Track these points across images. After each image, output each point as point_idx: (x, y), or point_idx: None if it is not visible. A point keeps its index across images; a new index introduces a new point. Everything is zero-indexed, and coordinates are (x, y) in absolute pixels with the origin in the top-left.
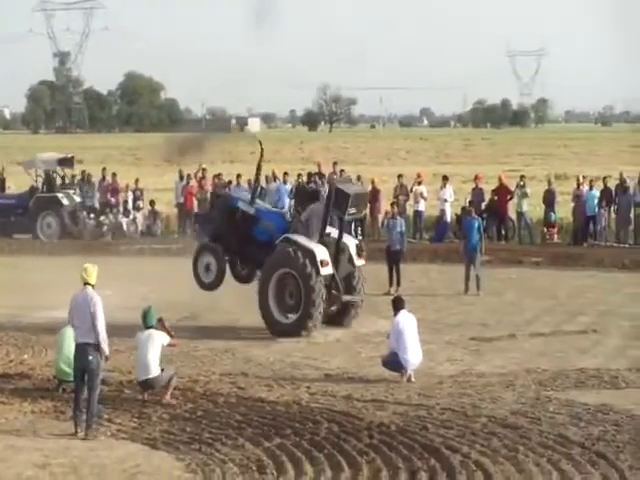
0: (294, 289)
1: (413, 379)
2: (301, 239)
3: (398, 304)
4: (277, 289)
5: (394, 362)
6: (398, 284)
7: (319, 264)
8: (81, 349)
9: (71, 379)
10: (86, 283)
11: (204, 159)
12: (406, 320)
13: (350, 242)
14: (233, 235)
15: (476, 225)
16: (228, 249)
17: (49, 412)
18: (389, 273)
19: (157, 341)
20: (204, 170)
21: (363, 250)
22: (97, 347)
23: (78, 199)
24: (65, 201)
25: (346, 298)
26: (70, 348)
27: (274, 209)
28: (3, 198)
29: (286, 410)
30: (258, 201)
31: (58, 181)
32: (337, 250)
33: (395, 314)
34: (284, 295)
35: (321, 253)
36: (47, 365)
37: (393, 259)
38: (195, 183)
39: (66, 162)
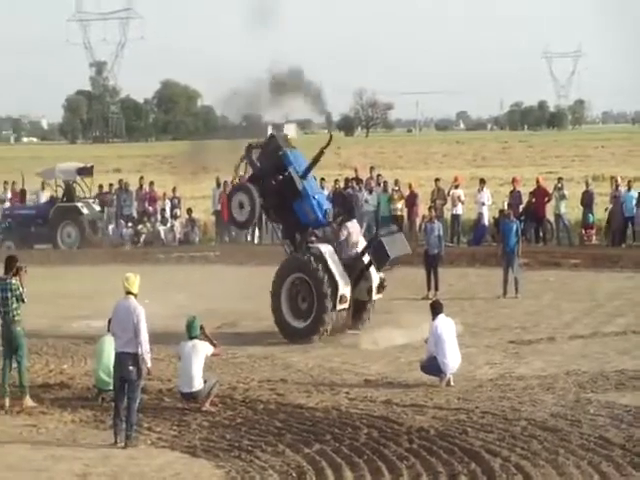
0: (307, 294)
1: (452, 383)
2: (330, 262)
3: (436, 308)
4: (290, 293)
5: (433, 366)
6: (436, 288)
7: (338, 299)
8: (121, 359)
9: (111, 388)
10: (128, 292)
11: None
12: (444, 324)
13: (375, 275)
14: (270, 190)
15: (514, 228)
16: (262, 196)
17: (89, 421)
18: (427, 277)
19: (201, 352)
20: (241, 177)
21: (384, 287)
22: (137, 357)
23: (97, 208)
24: (85, 210)
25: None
26: (110, 357)
27: (322, 201)
28: (23, 209)
29: (325, 416)
30: (312, 183)
31: (78, 191)
32: (360, 275)
33: (433, 318)
34: (297, 299)
35: (343, 287)
36: (86, 374)
37: (431, 263)
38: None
39: (85, 171)
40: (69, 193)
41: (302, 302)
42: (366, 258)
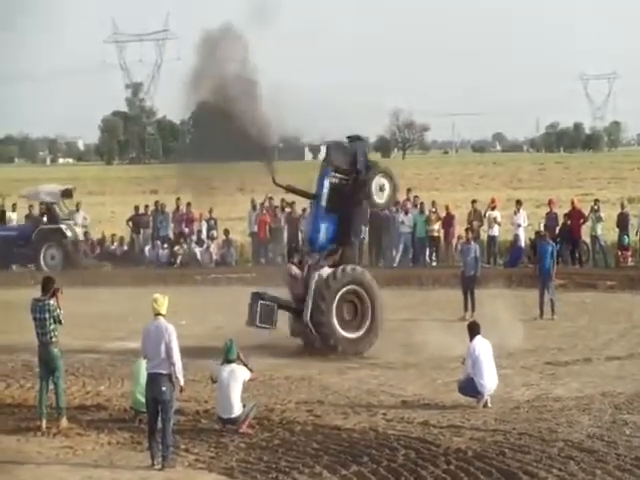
0: (358, 306)
1: (490, 404)
2: None
3: (474, 329)
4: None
5: (470, 387)
6: (473, 309)
7: None
8: (154, 379)
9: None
10: (157, 314)
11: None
12: (481, 345)
13: None
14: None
15: (549, 250)
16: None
17: (126, 443)
18: (464, 298)
19: (239, 378)
20: (270, 199)
21: None
22: (170, 378)
23: (79, 230)
24: (68, 232)
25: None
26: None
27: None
28: (4, 230)
29: (363, 437)
30: None
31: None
32: None
33: (471, 339)
34: (342, 312)
35: None
36: (123, 396)
37: (468, 284)
38: (267, 212)
39: (67, 193)
40: (52, 215)
41: (347, 314)
42: None
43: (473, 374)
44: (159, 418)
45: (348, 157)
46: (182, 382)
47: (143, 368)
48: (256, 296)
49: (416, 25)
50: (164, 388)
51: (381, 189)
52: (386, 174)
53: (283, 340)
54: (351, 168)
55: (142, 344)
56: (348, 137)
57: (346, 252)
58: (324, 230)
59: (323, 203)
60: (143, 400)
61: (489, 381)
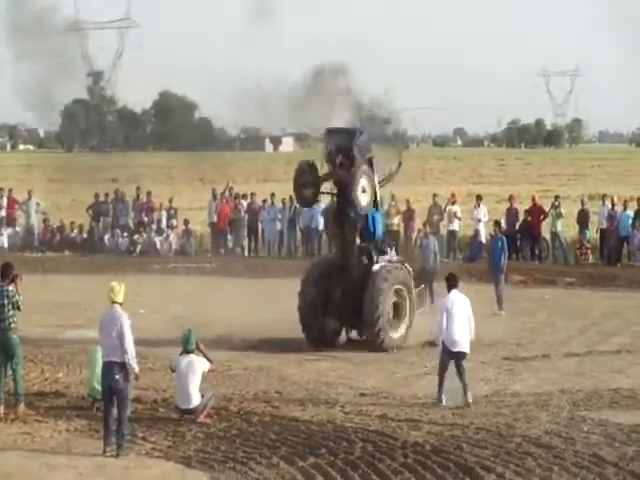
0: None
1: (470, 400)
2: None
3: (452, 281)
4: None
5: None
6: (432, 301)
7: None
8: (107, 368)
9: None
10: (113, 302)
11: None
12: (457, 299)
13: None
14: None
15: (499, 244)
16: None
17: (84, 430)
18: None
19: (198, 369)
20: (231, 189)
21: None
22: (124, 366)
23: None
24: None
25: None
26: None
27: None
28: None
29: (320, 429)
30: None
31: None
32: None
33: (448, 291)
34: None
35: None
36: (81, 383)
37: (427, 278)
38: (227, 202)
39: None
40: None
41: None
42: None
43: (445, 328)
44: (113, 407)
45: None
46: (137, 369)
47: (99, 356)
48: None
49: (381, 20)
50: (117, 377)
51: (363, 190)
52: (367, 175)
53: (240, 331)
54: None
55: (99, 333)
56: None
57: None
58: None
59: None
60: (100, 388)
61: (460, 337)
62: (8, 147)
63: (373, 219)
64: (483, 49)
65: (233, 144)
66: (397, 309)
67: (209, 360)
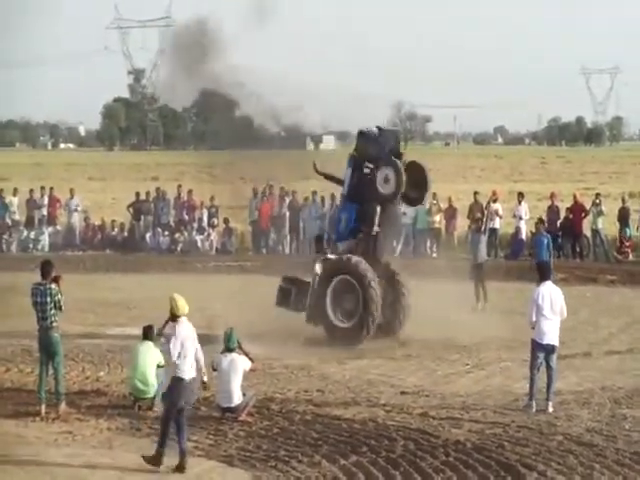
0: (352, 296)
1: (550, 409)
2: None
3: (544, 271)
4: (335, 294)
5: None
6: (486, 300)
7: None
8: (190, 384)
9: (146, 396)
10: (180, 315)
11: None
12: (547, 291)
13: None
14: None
15: (545, 242)
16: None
17: (125, 429)
18: (475, 288)
19: (240, 368)
20: (271, 187)
21: None
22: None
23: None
24: None
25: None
26: (145, 365)
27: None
28: None
29: (362, 428)
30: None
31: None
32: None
33: (539, 282)
34: (342, 301)
35: None
36: (123, 382)
37: (477, 274)
38: (270, 201)
39: None
40: None
41: (347, 304)
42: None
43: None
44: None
45: (375, 147)
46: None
47: (141, 354)
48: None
49: (419, 19)
50: (195, 392)
51: (385, 180)
52: (393, 165)
53: (282, 329)
54: (377, 158)
55: (177, 346)
56: (378, 127)
57: (361, 243)
58: (344, 220)
59: (345, 192)
60: (141, 387)
61: (550, 330)
62: (49, 145)
63: None
64: (524, 47)
65: (273, 142)
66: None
67: (250, 359)
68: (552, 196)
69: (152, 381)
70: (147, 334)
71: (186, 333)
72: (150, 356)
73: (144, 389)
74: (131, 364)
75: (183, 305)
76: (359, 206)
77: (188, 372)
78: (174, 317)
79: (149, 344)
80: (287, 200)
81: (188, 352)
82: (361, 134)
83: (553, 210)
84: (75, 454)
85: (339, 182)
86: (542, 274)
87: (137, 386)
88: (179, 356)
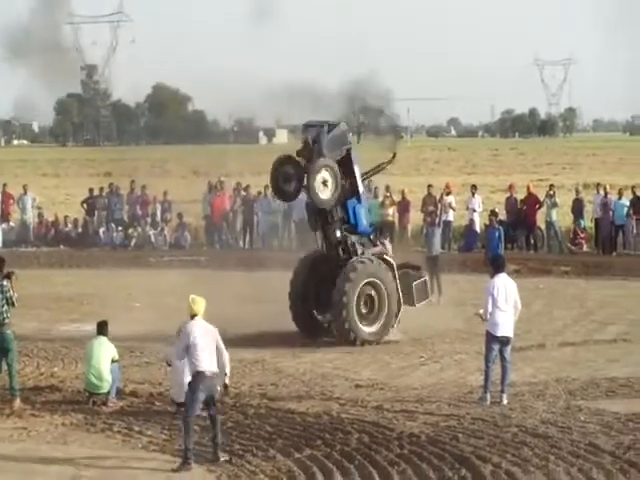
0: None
1: (505, 401)
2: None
3: (498, 264)
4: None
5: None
6: (440, 292)
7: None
8: (208, 378)
9: (101, 391)
10: (196, 314)
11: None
12: (501, 284)
13: None
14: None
15: (496, 234)
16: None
17: (80, 424)
18: (429, 281)
19: None
20: (222, 183)
21: None
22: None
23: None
24: None
25: None
26: (99, 360)
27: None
28: None
29: (316, 421)
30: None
31: None
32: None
33: (493, 275)
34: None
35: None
36: (77, 378)
37: (432, 267)
38: (222, 195)
39: None
40: None
41: (364, 307)
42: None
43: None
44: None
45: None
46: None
47: (95, 349)
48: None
49: (371, 10)
50: (219, 388)
51: (324, 184)
52: (330, 168)
53: (235, 323)
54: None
55: (187, 344)
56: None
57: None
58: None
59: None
60: (96, 382)
61: (505, 322)
62: (2, 142)
63: (354, 211)
64: (476, 39)
65: (227, 136)
66: (372, 303)
67: None
68: (510, 188)
69: (106, 376)
70: (101, 329)
71: (200, 331)
72: (104, 351)
73: (99, 384)
74: (85, 359)
75: (198, 306)
76: None
77: (207, 365)
78: (192, 317)
79: (103, 339)
80: (241, 194)
81: (206, 347)
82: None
83: (511, 202)
84: (30, 449)
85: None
86: (496, 267)
87: (92, 381)
88: (187, 353)
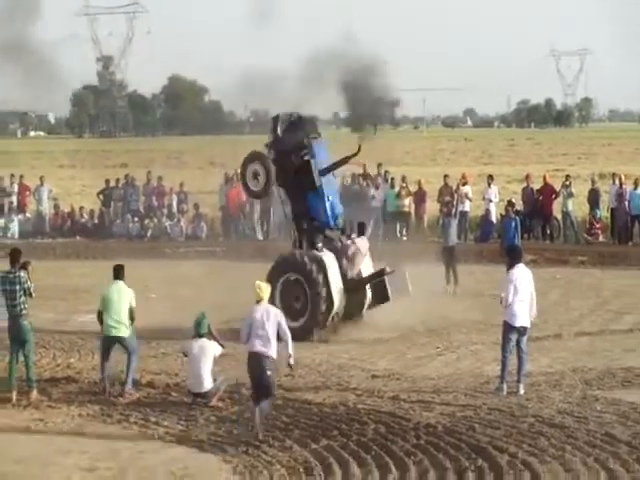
0: (301, 294)
1: (522, 391)
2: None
3: (516, 255)
4: (284, 293)
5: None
6: (456, 282)
7: (331, 317)
8: (258, 359)
9: (120, 334)
10: (260, 299)
11: None
12: (521, 274)
13: (369, 292)
14: (288, 167)
15: (513, 224)
16: (280, 169)
17: (96, 415)
18: (446, 271)
19: (210, 353)
20: (238, 174)
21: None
22: (273, 360)
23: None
24: None
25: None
26: (119, 303)
27: (335, 204)
28: None
29: (333, 412)
30: (331, 182)
31: None
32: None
33: (511, 266)
34: (291, 299)
35: (337, 306)
36: (94, 369)
37: (448, 258)
38: (237, 186)
39: None
40: None
41: (296, 302)
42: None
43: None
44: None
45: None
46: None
47: (114, 296)
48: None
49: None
50: (269, 372)
51: (255, 176)
52: (261, 161)
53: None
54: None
55: (248, 325)
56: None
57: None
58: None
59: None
60: (115, 325)
61: (522, 312)
62: (19, 133)
63: (311, 203)
64: (492, 29)
65: (242, 127)
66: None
67: (221, 344)
68: (527, 178)
69: (125, 321)
70: (118, 274)
71: (263, 315)
72: (124, 294)
73: (118, 327)
74: (104, 305)
75: (263, 291)
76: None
77: (259, 347)
78: (258, 301)
79: (121, 284)
80: None
81: (266, 330)
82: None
83: (528, 192)
84: (46, 441)
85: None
86: (514, 257)
87: (110, 325)
88: (249, 336)
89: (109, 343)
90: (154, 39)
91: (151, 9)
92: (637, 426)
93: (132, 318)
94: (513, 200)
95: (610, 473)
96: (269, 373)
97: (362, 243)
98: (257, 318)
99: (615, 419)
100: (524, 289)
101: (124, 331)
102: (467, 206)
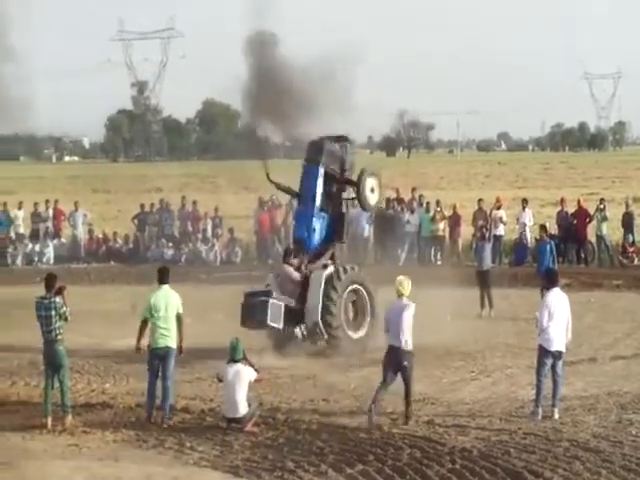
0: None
1: (556, 415)
2: None
3: (552, 279)
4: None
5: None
6: (491, 306)
7: None
8: (395, 352)
9: (169, 345)
10: (401, 294)
11: None
12: (557, 298)
13: None
14: None
15: (547, 248)
16: None
17: (131, 441)
18: (480, 295)
19: (245, 378)
20: (272, 199)
21: None
22: (408, 352)
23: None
24: None
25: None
26: (167, 309)
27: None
28: None
29: (368, 436)
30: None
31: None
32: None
33: (547, 289)
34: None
35: None
36: (128, 393)
37: (482, 282)
38: (270, 211)
39: None
40: None
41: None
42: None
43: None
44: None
45: (337, 156)
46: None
47: (161, 299)
48: (260, 294)
49: (420, 26)
50: (406, 363)
51: (372, 190)
52: (375, 175)
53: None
54: (339, 168)
55: (387, 321)
56: (332, 137)
57: (335, 252)
58: (318, 230)
59: (317, 203)
60: (165, 333)
61: (558, 336)
62: (54, 159)
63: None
64: (526, 53)
65: (277, 151)
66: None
67: (256, 369)
68: (562, 202)
69: (174, 330)
70: (163, 277)
71: (401, 310)
72: (171, 298)
73: (167, 336)
74: (150, 312)
75: (404, 287)
76: (329, 215)
77: (394, 340)
78: (399, 297)
79: (166, 288)
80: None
81: (399, 324)
82: (325, 143)
83: (562, 216)
84: (81, 467)
85: (291, 192)
86: (550, 281)
87: (159, 335)
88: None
89: (158, 356)
90: (189, 63)
91: (186, 33)
92: None
93: (179, 323)
94: (546, 224)
95: None
96: (405, 364)
97: (288, 270)
98: (392, 312)
99: None
100: (559, 313)
101: (172, 342)
102: (501, 230)
